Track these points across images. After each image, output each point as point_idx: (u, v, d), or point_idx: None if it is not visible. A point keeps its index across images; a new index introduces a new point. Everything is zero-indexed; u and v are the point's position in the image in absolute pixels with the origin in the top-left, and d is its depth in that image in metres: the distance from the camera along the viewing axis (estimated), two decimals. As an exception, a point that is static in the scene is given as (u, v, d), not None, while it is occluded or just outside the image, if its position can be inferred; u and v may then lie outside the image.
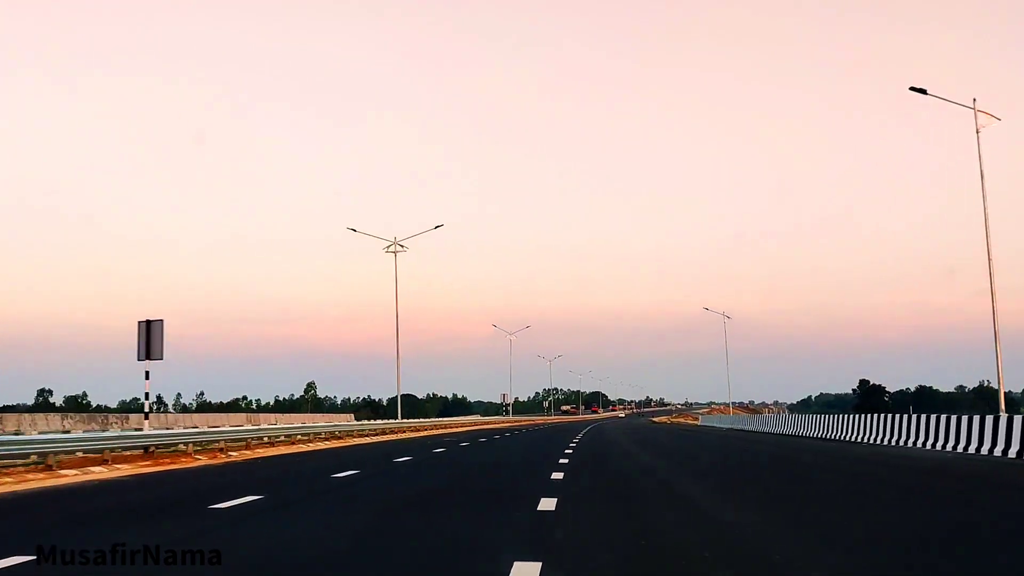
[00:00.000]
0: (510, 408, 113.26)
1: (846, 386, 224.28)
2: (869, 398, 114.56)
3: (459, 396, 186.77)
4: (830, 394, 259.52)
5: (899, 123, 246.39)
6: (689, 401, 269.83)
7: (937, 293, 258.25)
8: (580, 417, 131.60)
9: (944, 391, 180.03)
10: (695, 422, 79.62)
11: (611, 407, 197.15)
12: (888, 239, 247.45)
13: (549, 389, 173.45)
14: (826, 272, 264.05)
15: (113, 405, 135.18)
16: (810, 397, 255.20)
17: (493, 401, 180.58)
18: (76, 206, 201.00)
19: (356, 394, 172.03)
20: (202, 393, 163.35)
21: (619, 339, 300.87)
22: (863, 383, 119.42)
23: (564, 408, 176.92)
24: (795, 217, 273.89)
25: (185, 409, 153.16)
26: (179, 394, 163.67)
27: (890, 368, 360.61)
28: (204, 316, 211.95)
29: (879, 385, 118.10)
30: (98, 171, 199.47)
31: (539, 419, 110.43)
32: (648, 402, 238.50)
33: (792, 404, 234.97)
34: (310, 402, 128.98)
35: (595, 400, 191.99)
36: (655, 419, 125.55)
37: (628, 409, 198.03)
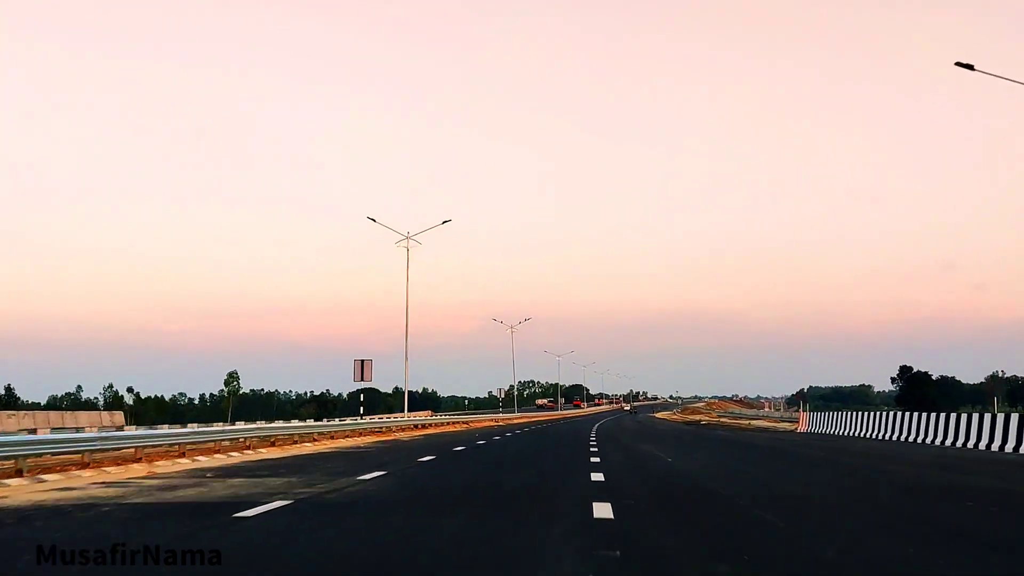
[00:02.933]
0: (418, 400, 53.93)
1: (838, 379, 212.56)
2: (914, 388, 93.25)
3: (429, 391, 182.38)
4: (822, 387, 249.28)
5: (899, 123, 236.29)
6: (676, 395, 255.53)
7: (932, 288, 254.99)
8: (559, 414, 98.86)
9: (963, 382, 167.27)
10: (772, 424, 52.19)
11: (595, 400, 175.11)
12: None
13: (525, 382, 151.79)
14: (815, 269, 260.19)
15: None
16: (802, 390, 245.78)
17: (472, 396, 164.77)
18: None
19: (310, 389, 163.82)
20: (131, 388, 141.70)
21: (601, 332, 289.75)
22: (904, 370, 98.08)
23: (539, 403, 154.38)
24: (784, 217, 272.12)
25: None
26: (108, 386, 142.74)
27: (879, 363, 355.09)
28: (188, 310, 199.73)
29: (924, 372, 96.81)
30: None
31: (476, 420, 59.89)
32: (635, 396, 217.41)
33: (788, 398, 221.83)
34: (231, 397, 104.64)
35: (577, 393, 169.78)
36: (656, 414, 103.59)
37: (618, 402, 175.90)
